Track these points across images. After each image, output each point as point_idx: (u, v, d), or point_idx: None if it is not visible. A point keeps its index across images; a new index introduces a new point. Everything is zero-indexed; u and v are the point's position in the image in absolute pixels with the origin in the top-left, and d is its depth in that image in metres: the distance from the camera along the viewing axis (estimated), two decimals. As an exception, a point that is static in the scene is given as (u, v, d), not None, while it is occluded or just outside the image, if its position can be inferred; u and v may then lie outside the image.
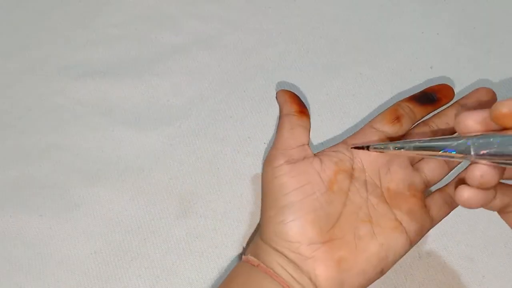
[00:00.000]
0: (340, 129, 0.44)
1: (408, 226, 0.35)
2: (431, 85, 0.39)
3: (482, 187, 0.29)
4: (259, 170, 0.43)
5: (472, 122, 0.28)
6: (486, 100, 0.37)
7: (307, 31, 0.49)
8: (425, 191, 0.37)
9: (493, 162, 0.27)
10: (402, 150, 0.31)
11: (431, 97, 0.38)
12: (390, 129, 0.37)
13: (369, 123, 0.38)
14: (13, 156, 0.44)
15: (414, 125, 0.38)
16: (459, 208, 0.36)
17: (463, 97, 0.38)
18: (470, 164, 0.29)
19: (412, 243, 0.35)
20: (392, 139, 0.36)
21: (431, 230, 0.37)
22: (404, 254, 0.35)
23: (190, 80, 0.47)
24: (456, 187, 0.29)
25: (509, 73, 0.46)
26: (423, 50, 0.48)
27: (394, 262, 0.35)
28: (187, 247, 0.40)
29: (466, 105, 0.38)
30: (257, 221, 0.41)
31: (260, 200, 0.42)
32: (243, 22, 0.49)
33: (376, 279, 0.34)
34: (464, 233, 0.41)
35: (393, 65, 0.47)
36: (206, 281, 0.39)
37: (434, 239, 0.41)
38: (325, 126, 0.44)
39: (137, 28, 0.49)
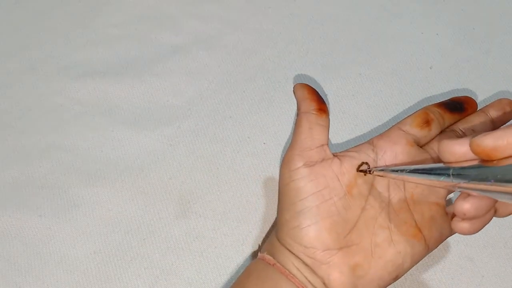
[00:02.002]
0: (340, 130, 0.44)
1: (428, 234, 0.34)
2: (456, 96, 0.39)
3: (472, 219, 0.29)
4: (259, 170, 0.43)
5: (458, 149, 0.27)
6: (508, 110, 0.37)
7: (307, 31, 0.49)
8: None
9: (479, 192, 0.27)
10: (401, 174, 0.31)
11: (459, 106, 0.38)
12: (419, 133, 0.36)
13: (397, 125, 0.36)
14: (13, 156, 0.44)
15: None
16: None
17: (486, 106, 0.38)
18: (458, 196, 0.29)
19: (429, 250, 0.35)
20: (419, 143, 0.36)
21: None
22: (420, 260, 0.34)
23: (190, 80, 0.47)
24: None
25: (509, 73, 0.46)
26: (423, 50, 0.48)
27: (410, 268, 0.34)
28: (186, 247, 0.40)
29: (490, 114, 0.37)
30: (259, 221, 0.41)
31: (260, 199, 0.42)
32: (243, 22, 0.49)
33: (390, 284, 0.34)
34: (464, 233, 0.41)
35: (393, 65, 0.47)
36: (206, 281, 0.39)
37: (434, 239, 0.41)
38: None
39: (137, 28, 0.49)
